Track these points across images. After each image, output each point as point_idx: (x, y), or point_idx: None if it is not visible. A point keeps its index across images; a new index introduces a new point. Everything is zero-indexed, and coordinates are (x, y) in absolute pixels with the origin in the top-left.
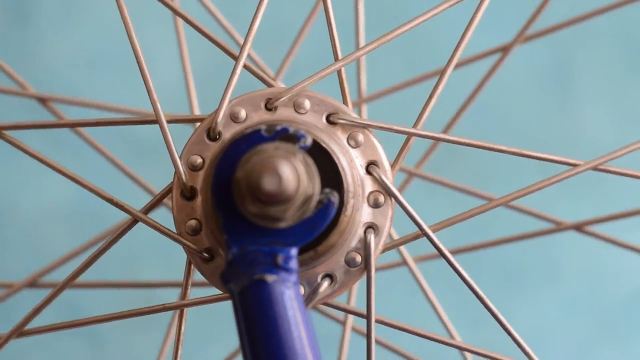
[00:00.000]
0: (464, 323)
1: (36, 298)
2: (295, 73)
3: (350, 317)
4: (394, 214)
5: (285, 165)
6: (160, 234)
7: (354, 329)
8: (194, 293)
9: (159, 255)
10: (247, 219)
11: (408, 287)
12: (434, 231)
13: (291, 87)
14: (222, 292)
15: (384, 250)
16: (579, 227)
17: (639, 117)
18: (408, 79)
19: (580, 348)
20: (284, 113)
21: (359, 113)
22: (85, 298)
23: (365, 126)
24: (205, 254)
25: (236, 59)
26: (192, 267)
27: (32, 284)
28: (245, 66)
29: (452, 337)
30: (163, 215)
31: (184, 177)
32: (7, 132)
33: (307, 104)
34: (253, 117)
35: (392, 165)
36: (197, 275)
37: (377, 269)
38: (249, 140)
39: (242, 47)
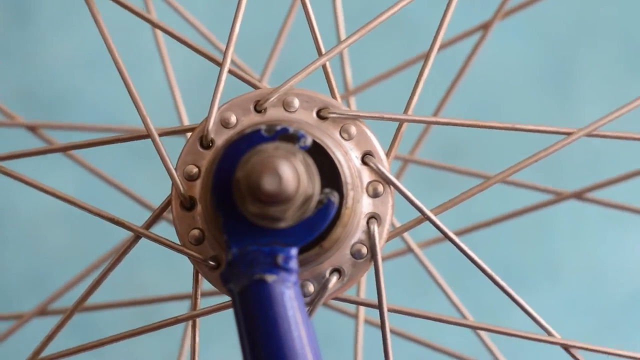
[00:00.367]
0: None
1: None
2: (281, 73)
3: (362, 310)
4: (395, 204)
5: (285, 165)
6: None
7: (367, 321)
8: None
9: (158, 256)
10: (247, 219)
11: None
12: (436, 214)
13: (278, 86)
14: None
15: (388, 239)
16: (578, 195)
17: (639, 118)
18: (392, 67)
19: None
20: (274, 113)
21: (348, 106)
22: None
23: (356, 117)
24: (211, 262)
25: (220, 64)
26: (200, 276)
27: (42, 312)
28: (230, 71)
29: (465, 317)
30: (164, 229)
31: (181, 188)
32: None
33: (296, 102)
34: (244, 120)
35: (387, 154)
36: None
37: (383, 259)
38: (249, 140)
39: (225, 53)
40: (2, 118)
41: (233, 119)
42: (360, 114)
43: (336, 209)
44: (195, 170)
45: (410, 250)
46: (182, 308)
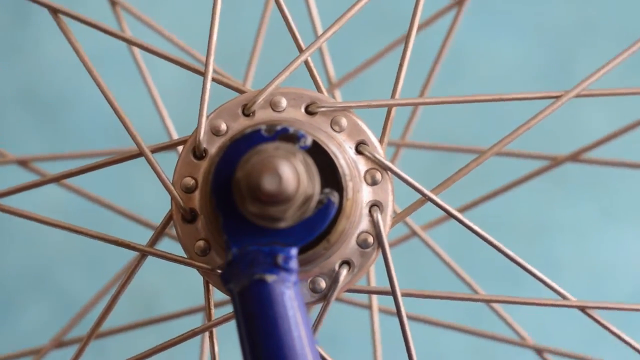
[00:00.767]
0: (465, 316)
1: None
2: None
3: (375, 299)
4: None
5: (285, 165)
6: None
7: (381, 310)
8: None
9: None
10: (247, 219)
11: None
12: (436, 194)
13: (264, 88)
14: None
15: (392, 224)
16: (575, 157)
17: (639, 117)
18: (372, 55)
19: (580, 348)
20: (262, 115)
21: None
22: (85, 293)
23: (345, 108)
24: (220, 271)
25: (203, 74)
26: (211, 286)
27: (58, 344)
28: (214, 79)
29: (476, 292)
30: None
31: (181, 202)
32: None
33: (283, 101)
34: (234, 126)
35: (381, 141)
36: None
37: (389, 245)
38: (249, 140)
39: (206, 61)
40: None
41: (223, 126)
42: (349, 105)
43: (336, 208)
44: (192, 182)
45: (414, 234)
46: (180, 304)
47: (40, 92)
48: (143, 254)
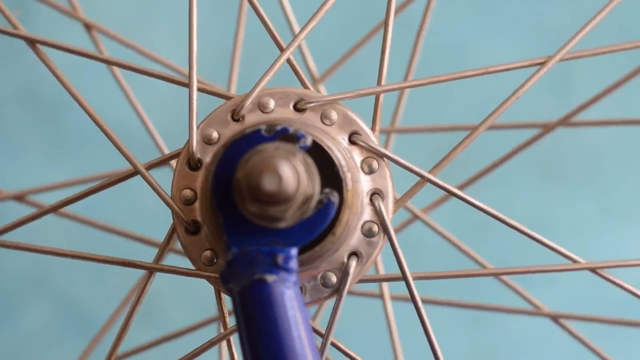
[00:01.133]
0: (464, 322)
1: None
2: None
3: (386, 288)
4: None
5: (285, 165)
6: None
7: (393, 298)
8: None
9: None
10: (247, 219)
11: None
12: (434, 175)
13: (250, 91)
14: None
15: (395, 210)
16: (565, 122)
17: (639, 116)
18: (353, 45)
19: (580, 348)
20: (252, 118)
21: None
22: (85, 294)
23: (333, 101)
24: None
25: (187, 85)
26: (223, 295)
27: None
28: (199, 89)
29: (484, 267)
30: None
31: (182, 214)
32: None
33: (271, 102)
34: (225, 132)
35: (372, 129)
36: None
37: (394, 231)
38: (249, 140)
39: (189, 72)
40: None
41: (214, 134)
42: (337, 97)
43: (336, 208)
44: (190, 193)
45: (416, 217)
46: (180, 304)
47: (40, 92)
48: (151, 271)
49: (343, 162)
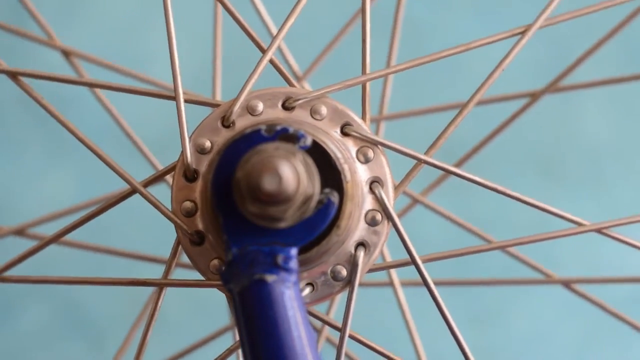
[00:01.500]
0: (465, 321)
1: None
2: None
3: (395, 274)
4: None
5: (285, 165)
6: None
7: (404, 284)
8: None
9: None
10: (247, 219)
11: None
12: (430, 155)
13: (237, 96)
14: None
15: (396, 195)
16: (553, 88)
17: (638, 114)
18: (332, 38)
19: (580, 348)
20: (242, 123)
21: None
22: (85, 295)
23: (320, 95)
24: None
25: (174, 98)
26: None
27: None
28: (186, 100)
29: (489, 242)
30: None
31: (185, 227)
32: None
33: (259, 104)
34: (217, 140)
35: (363, 118)
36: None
37: (398, 217)
38: (249, 140)
39: (174, 84)
40: None
41: (207, 143)
42: (324, 90)
43: (336, 208)
44: (190, 204)
45: (417, 201)
46: (179, 303)
47: (40, 92)
48: (161, 287)
49: (339, 155)
